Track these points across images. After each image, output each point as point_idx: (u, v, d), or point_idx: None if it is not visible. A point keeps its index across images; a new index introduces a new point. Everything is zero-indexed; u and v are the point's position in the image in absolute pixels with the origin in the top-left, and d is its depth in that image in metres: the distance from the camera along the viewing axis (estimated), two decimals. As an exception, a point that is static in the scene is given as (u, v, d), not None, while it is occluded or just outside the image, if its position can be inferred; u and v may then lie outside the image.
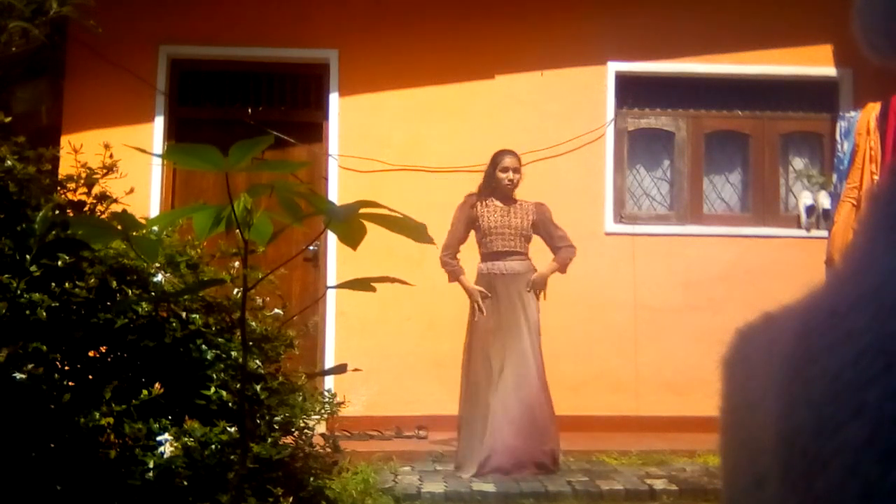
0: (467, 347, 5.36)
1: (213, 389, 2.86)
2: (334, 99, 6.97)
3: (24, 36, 5.40)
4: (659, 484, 5.06)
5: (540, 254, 5.47)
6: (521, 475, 5.08)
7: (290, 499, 2.88)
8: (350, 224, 1.32)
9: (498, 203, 5.35)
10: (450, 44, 6.95)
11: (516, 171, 5.37)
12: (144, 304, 2.83)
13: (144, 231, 2.04)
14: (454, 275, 5.36)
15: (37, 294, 2.63)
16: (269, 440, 3.00)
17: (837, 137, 5.89)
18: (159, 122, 6.88)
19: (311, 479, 3.15)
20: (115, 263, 2.85)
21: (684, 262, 6.93)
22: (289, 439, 3.18)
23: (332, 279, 6.62)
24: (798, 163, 7.35)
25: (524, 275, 5.30)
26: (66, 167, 3.15)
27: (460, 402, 5.32)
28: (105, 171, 3.04)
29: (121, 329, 2.79)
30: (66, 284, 2.73)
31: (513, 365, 5.19)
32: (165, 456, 2.68)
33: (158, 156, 6.94)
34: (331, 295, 6.66)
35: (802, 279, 0.46)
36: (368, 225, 1.32)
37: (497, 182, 5.34)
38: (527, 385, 5.19)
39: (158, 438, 2.73)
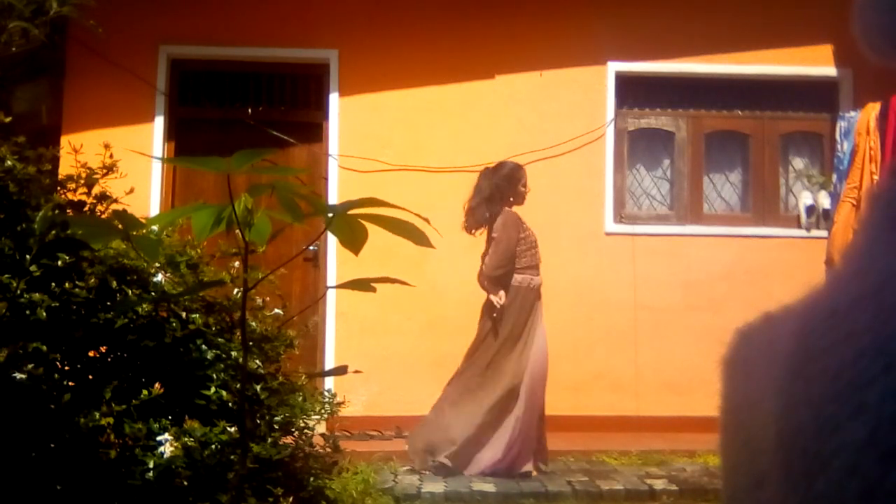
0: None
1: (213, 389, 2.86)
2: (334, 99, 6.97)
3: (24, 36, 5.40)
4: (659, 484, 5.06)
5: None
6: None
7: (290, 499, 2.88)
8: (351, 227, 1.32)
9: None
10: (450, 44, 6.95)
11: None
12: (144, 304, 2.83)
13: (144, 231, 2.04)
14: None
15: (37, 294, 2.63)
16: (269, 440, 3.00)
17: (837, 137, 5.89)
18: (159, 122, 6.88)
19: (311, 479, 3.15)
20: (115, 263, 2.85)
21: (684, 262, 6.93)
22: (289, 439, 3.18)
23: (332, 279, 6.61)
24: (798, 163, 7.34)
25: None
26: (66, 167, 3.15)
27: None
28: (105, 171, 3.04)
29: (121, 329, 2.79)
30: (66, 284, 2.73)
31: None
32: (165, 456, 2.68)
33: (159, 159, 6.94)
34: (331, 295, 6.65)
35: (802, 279, 0.46)
36: (368, 225, 1.32)
37: (518, 196, 5.42)
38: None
39: (158, 438, 2.73)
